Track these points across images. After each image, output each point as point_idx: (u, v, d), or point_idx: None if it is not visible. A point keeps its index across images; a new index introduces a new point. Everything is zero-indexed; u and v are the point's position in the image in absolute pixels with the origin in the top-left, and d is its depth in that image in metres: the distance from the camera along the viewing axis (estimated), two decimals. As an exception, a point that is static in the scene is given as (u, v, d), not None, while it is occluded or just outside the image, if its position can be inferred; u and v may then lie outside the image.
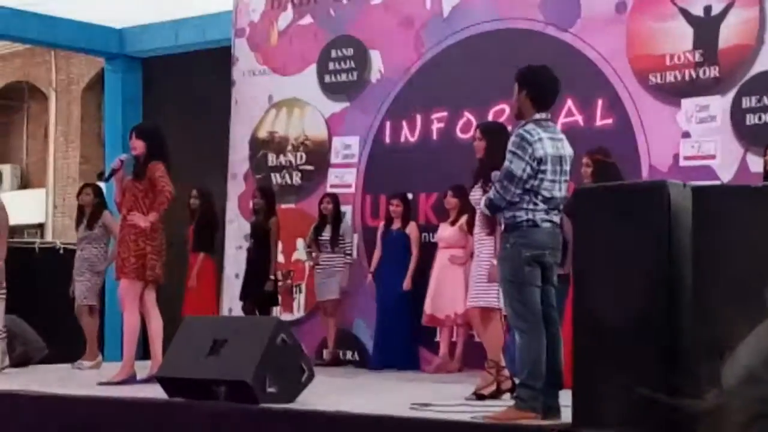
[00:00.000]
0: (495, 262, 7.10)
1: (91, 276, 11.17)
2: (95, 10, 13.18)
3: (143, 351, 9.99)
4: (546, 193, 6.51)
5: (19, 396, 8.36)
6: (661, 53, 9.83)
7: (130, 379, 9.03)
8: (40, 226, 25.12)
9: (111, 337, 12.39)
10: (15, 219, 22.59)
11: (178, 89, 13.62)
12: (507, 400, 7.15)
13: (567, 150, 6.67)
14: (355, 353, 11.46)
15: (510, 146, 6.53)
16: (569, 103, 10.24)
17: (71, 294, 11.25)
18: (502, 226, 6.66)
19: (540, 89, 6.61)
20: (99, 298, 11.40)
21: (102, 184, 11.90)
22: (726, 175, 9.25)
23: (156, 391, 7.74)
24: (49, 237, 23.03)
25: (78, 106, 24.55)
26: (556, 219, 6.58)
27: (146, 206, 9.01)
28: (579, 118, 10.25)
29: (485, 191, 7.04)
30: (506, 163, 6.49)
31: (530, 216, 6.48)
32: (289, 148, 12.32)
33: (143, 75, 14.21)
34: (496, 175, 6.62)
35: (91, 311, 11.31)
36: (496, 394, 7.60)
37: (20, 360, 11.22)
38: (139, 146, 9.13)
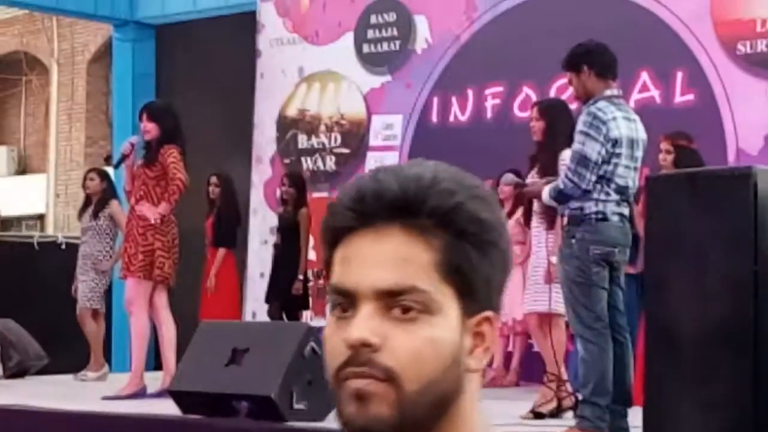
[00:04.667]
0: (554, 260, 7.09)
1: (96, 275, 11.27)
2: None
3: (154, 361, 10.07)
4: (620, 181, 6.53)
5: (14, 411, 8.44)
6: (751, 18, 9.77)
7: (140, 393, 9.11)
8: (40, 217, 25.36)
9: (118, 344, 12.48)
10: (11, 209, 22.82)
11: (196, 61, 13.67)
12: (569, 420, 7.15)
13: (641, 133, 6.70)
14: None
15: (581, 126, 6.55)
16: (644, 76, 10.22)
17: (73, 295, 11.37)
18: (565, 219, 6.67)
19: (603, 59, 6.65)
20: (105, 301, 11.50)
21: (110, 170, 11.98)
22: (827, 159, 9.19)
23: (168, 407, 7.80)
24: (50, 230, 23.23)
25: (83, 81, 24.74)
26: (626, 212, 6.58)
27: (158, 196, 9.08)
28: (655, 93, 10.21)
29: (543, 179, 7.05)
30: (577, 146, 6.50)
31: (600, 207, 6.50)
32: (322, 128, 12.36)
33: (156, 45, 14.25)
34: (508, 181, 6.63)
35: (96, 315, 11.41)
36: (556, 413, 7.61)
37: (16, 371, 11.35)
38: (150, 128, 9.20)
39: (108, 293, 11.54)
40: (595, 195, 6.47)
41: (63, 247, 13.52)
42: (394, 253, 1.42)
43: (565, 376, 7.77)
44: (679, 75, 10.12)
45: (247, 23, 12.72)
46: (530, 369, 9.92)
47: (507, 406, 8.19)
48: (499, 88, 11.19)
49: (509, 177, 7.40)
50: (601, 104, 6.52)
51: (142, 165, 9.25)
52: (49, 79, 25.51)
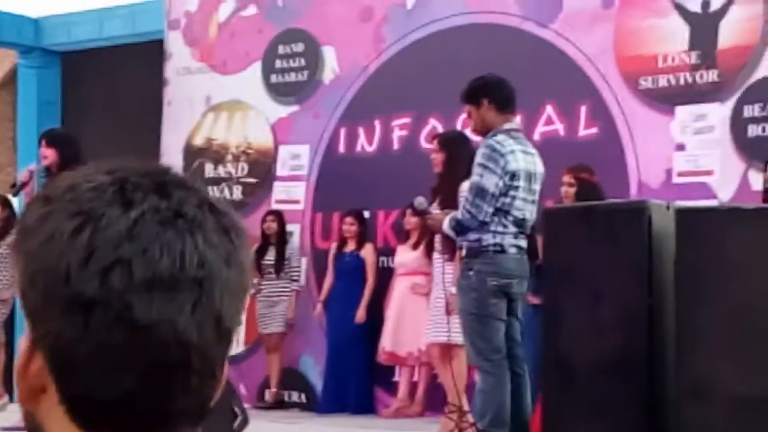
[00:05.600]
0: (454, 290, 7.11)
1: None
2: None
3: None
4: (518, 214, 6.55)
5: None
6: (652, 53, 9.90)
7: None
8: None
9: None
10: None
11: (103, 89, 13.57)
12: (468, 450, 7.17)
13: (539, 167, 6.74)
14: (302, 395, 11.45)
15: (479, 158, 6.56)
16: (549, 109, 10.31)
17: (-27, 325, 11.22)
18: (464, 251, 6.68)
19: (502, 92, 6.69)
20: (7, 330, 11.35)
21: (15, 199, 11.84)
22: (725, 193, 9.33)
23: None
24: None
25: (-11, 107, 24.46)
26: (524, 244, 6.61)
27: (58, 223, 9.01)
28: (560, 126, 10.30)
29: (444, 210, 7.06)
30: (475, 178, 6.51)
31: (498, 240, 6.52)
32: (229, 157, 12.32)
33: (62, 72, 14.15)
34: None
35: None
36: (457, 441, 7.62)
37: None
38: (50, 155, 9.11)
39: (10, 322, 11.39)
40: (492, 227, 6.49)
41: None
42: None
43: (466, 407, 7.79)
44: (583, 109, 10.22)
45: (154, 51, 12.65)
46: (435, 399, 9.94)
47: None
48: (407, 120, 11.22)
49: (420, 199, 7.34)
50: (500, 137, 6.55)
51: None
52: (-46, 105, 25.19)
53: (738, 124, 9.46)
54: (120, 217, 1.11)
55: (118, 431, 1.13)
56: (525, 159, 6.58)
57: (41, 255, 1.13)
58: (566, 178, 8.96)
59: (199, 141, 12.53)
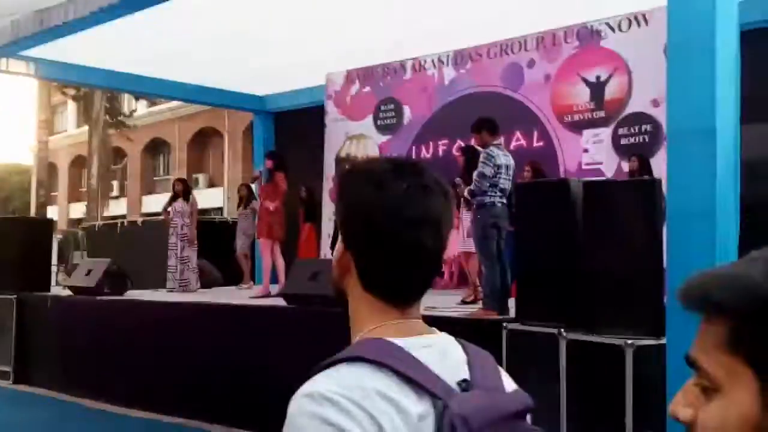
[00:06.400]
0: (470, 225, 7.06)
1: (246, 237, 11.31)
2: (249, 84, 13.28)
3: (274, 278, 10.12)
4: (502, 186, 6.49)
5: (206, 305, 8.48)
6: (571, 103, 9.69)
7: (267, 295, 9.15)
8: (220, 209, 25.43)
9: (258, 270, 12.52)
10: (205, 204, 22.64)
11: (296, 131, 13.63)
12: (479, 305, 7.15)
13: (511, 162, 6.66)
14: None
15: (481, 159, 6.52)
16: (517, 134, 10.15)
17: (234, 247, 11.39)
18: (475, 205, 6.64)
19: (493, 125, 6.62)
20: (251, 249, 11.52)
21: (253, 185, 11.98)
22: (609, 173, 9.11)
23: (281, 302, 7.82)
24: (225, 214, 23.31)
25: (240, 141, 24.77)
26: (505, 201, 6.54)
27: (274, 197, 9.10)
28: (523, 142, 10.15)
29: (466, 185, 6.99)
30: (480, 168, 6.46)
31: (492, 199, 6.47)
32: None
33: (275, 123, 14.23)
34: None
35: (246, 257, 11.44)
36: (474, 301, 7.61)
37: (206, 284, 11.39)
38: (269, 163, 9.24)
39: (252, 245, 11.58)
40: (489, 193, 6.44)
41: (230, 223, 13.55)
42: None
43: (478, 284, 7.76)
44: (535, 133, 10.04)
45: (319, 111, 12.63)
46: (462, 280, 9.90)
47: (451, 298, 8.21)
48: (446, 141, 11.12)
49: (458, 179, 7.31)
50: (492, 148, 6.49)
51: (266, 182, 9.26)
52: (223, 141, 25.57)
53: (615, 138, 9.21)
54: (398, 186, 1.08)
55: (387, 294, 1.10)
56: (504, 158, 6.50)
57: (353, 203, 1.10)
58: (526, 168, 8.82)
59: (342, 155, 12.48)
